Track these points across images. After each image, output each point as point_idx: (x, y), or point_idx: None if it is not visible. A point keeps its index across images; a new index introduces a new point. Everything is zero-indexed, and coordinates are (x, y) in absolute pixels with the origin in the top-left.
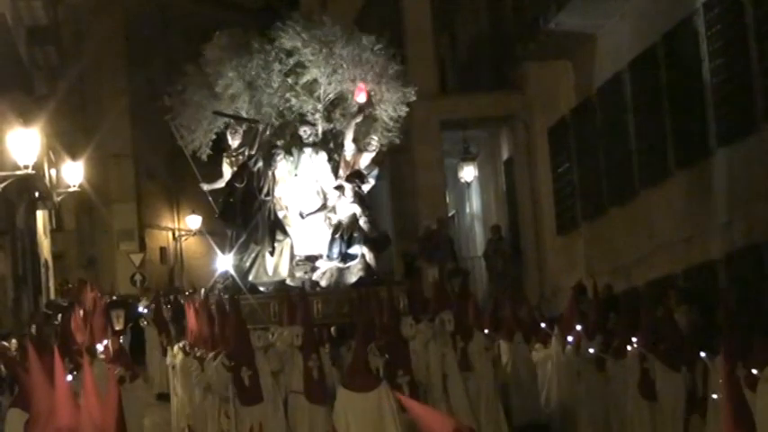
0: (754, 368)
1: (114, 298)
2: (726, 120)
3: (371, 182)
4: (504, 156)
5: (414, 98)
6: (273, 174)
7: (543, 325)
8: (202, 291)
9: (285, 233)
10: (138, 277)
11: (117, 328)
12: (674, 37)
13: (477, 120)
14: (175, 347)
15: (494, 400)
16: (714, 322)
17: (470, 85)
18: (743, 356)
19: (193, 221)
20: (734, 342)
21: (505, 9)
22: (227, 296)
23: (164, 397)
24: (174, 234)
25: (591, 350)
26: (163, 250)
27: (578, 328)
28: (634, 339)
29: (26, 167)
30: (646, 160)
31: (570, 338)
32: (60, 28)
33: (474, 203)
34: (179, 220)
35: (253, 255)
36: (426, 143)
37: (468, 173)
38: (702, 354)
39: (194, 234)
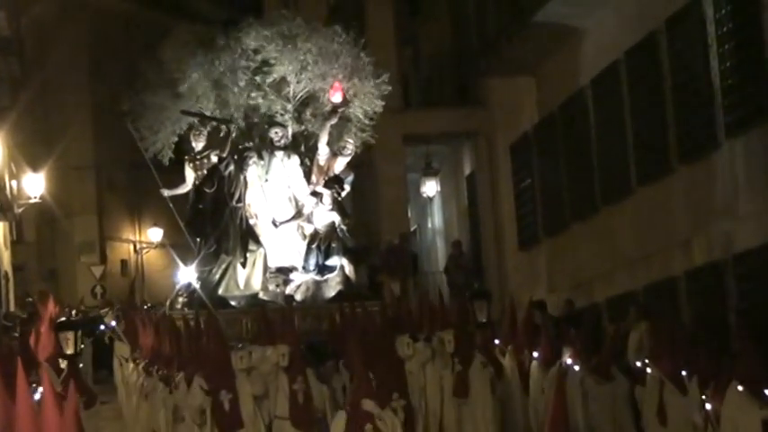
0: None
1: (68, 318)
2: (687, 137)
3: (347, 188)
4: (467, 171)
5: (389, 89)
6: (245, 179)
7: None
8: (168, 304)
9: (258, 243)
10: (98, 290)
11: (68, 352)
12: (637, 54)
13: (440, 135)
14: (133, 365)
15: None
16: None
17: (433, 100)
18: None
19: (155, 234)
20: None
21: (468, 25)
22: (191, 311)
23: None
24: (135, 246)
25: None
26: (124, 263)
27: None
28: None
29: None
30: (607, 176)
31: (536, 354)
32: (23, 39)
33: (436, 218)
34: (140, 232)
35: (223, 266)
36: (389, 158)
37: (431, 188)
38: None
39: (155, 247)
